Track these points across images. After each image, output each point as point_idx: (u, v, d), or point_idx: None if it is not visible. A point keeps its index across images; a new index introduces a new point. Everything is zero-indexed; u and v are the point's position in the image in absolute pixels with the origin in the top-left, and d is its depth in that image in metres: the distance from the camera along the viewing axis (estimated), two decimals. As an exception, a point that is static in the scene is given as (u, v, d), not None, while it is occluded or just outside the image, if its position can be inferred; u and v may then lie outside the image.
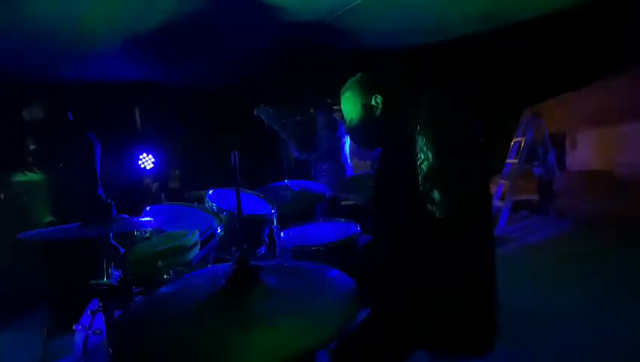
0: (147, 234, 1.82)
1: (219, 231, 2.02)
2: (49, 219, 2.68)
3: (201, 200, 2.20)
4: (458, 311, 1.12)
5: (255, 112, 2.89)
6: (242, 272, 0.87)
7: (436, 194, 1.07)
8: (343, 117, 1.45)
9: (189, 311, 0.85)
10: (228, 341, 0.70)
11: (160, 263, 1.55)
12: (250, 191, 2.42)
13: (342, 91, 1.40)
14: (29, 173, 2.68)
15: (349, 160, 3.43)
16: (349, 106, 1.37)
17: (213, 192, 2.23)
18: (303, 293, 0.88)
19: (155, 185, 4.84)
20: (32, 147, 2.70)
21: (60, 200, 2.69)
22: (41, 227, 2.65)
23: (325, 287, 0.93)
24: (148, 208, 2.13)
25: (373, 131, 1.34)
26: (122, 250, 1.63)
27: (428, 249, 1.11)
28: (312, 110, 3.61)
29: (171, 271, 1.54)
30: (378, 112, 1.30)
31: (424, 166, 1.10)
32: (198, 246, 1.75)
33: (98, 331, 1.50)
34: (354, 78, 1.38)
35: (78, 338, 1.56)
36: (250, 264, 0.88)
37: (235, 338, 0.71)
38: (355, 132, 1.38)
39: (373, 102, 1.30)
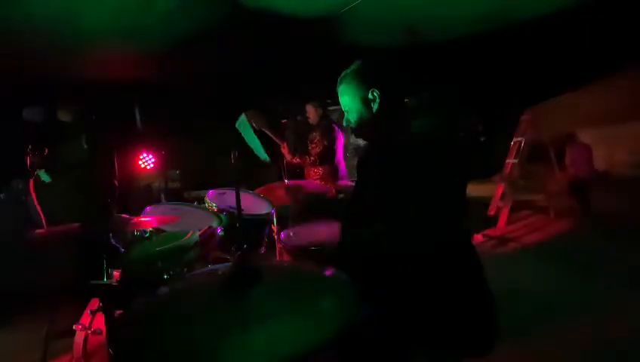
0: (147, 234, 1.82)
1: (219, 231, 2.02)
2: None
3: (201, 200, 2.20)
4: (458, 310, 1.12)
5: (243, 117, 2.78)
6: (242, 273, 0.87)
7: (432, 192, 1.08)
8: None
9: (189, 311, 0.85)
10: (228, 341, 0.70)
11: (160, 263, 1.55)
12: (250, 192, 2.42)
13: (339, 81, 1.37)
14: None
15: (343, 163, 3.41)
16: (347, 99, 1.34)
17: (213, 192, 2.23)
18: (302, 294, 0.88)
19: (155, 185, 4.84)
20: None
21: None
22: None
23: (325, 287, 0.93)
24: (148, 208, 2.13)
25: (371, 125, 1.31)
26: (122, 250, 1.63)
27: (425, 246, 1.12)
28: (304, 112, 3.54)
29: (171, 271, 1.54)
30: (375, 106, 1.28)
31: (419, 163, 1.10)
32: (198, 247, 1.75)
33: (98, 331, 1.50)
34: (350, 69, 1.34)
35: (78, 338, 1.56)
36: (249, 264, 0.88)
37: (235, 338, 0.71)
38: (355, 126, 1.36)
39: (370, 95, 1.27)
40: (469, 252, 1.20)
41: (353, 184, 2.54)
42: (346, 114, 1.37)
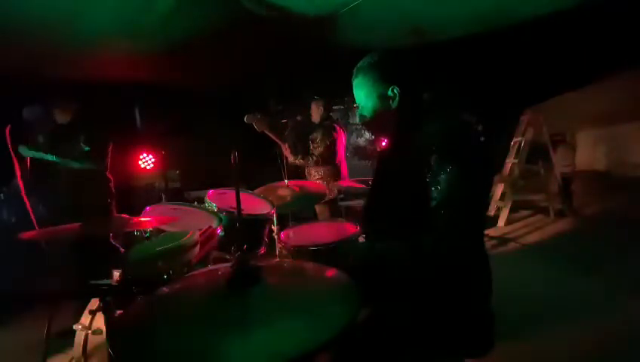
0: (147, 234, 1.82)
1: (219, 231, 2.02)
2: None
3: (201, 201, 2.20)
4: (458, 310, 1.12)
5: (245, 120, 2.74)
6: (242, 273, 0.87)
7: (437, 192, 1.07)
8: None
9: (190, 311, 0.85)
10: (228, 341, 0.70)
11: (160, 263, 1.55)
12: (250, 191, 2.41)
13: (354, 73, 1.28)
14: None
15: (344, 163, 3.40)
16: (363, 93, 1.26)
17: (213, 192, 2.23)
18: (302, 294, 0.88)
19: (155, 186, 4.84)
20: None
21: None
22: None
23: (325, 287, 0.93)
24: (148, 208, 2.13)
25: (387, 122, 1.25)
26: (122, 250, 1.62)
27: (427, 245, 1.11)
28: (305, 113, 3.53)
29: (171, 271, 1.54)
30: (394, 104, 1.21)
31: (429, 164, 1.10)
32: (198, 246, 1.75)
33: (98, 331, 1.50)
34: (366, 61, 1.26)
35: (78, 338, 1.56)
36: (250, 265, 0.88)
37: (235, 338, 0.71)
38: (369, 121, 1.29)
39: (390, 92, 1.21)
40: (479, 253, 1.19)
41: (354, 184, 2.55)
42: (360, 108, 1.30)
